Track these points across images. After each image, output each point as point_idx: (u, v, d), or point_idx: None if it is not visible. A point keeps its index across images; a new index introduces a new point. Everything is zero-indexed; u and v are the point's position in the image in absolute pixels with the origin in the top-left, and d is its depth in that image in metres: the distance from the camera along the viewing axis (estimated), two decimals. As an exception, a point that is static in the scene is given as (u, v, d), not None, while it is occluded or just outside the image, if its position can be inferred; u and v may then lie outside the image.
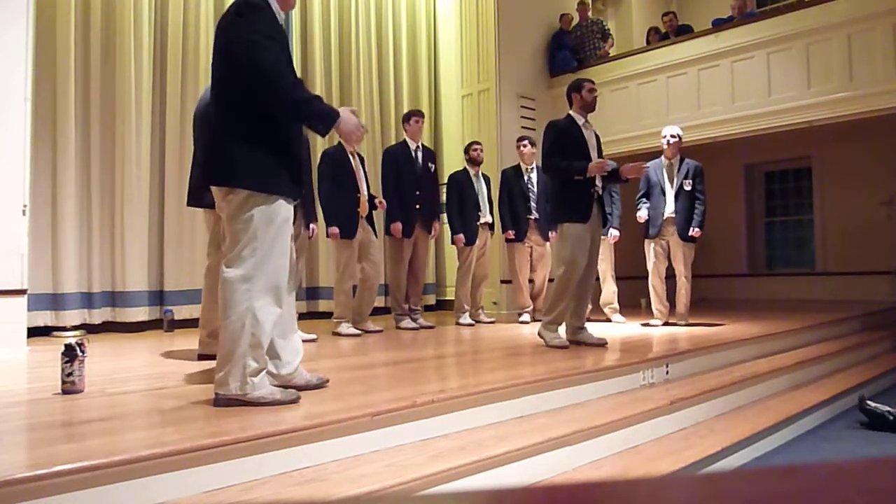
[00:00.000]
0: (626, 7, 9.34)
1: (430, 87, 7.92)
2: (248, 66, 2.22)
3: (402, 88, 7.63)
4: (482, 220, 5.85)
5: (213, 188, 2.37)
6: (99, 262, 5.28)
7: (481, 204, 5.86)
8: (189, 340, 4.25)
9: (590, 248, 4.03)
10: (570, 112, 4.14)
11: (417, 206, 5.30)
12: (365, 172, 5.08)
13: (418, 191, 5.33)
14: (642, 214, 5.32)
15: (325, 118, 2.35)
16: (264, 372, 2.32)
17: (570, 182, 3.99)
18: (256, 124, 2.28)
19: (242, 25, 2.28)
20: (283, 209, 2.32)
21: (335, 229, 4.71)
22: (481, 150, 5.95)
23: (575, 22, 7.85)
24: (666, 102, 7.00)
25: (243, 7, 2.31)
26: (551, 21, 7.79)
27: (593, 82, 4.23)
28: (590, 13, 8.05)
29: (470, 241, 5.77)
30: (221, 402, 2.25)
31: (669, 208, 5.23)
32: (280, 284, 2.30)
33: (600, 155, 4.18)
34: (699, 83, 6.78)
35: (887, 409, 3.67)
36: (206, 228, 3.78)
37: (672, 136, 5.26)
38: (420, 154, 5.43)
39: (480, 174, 5.95)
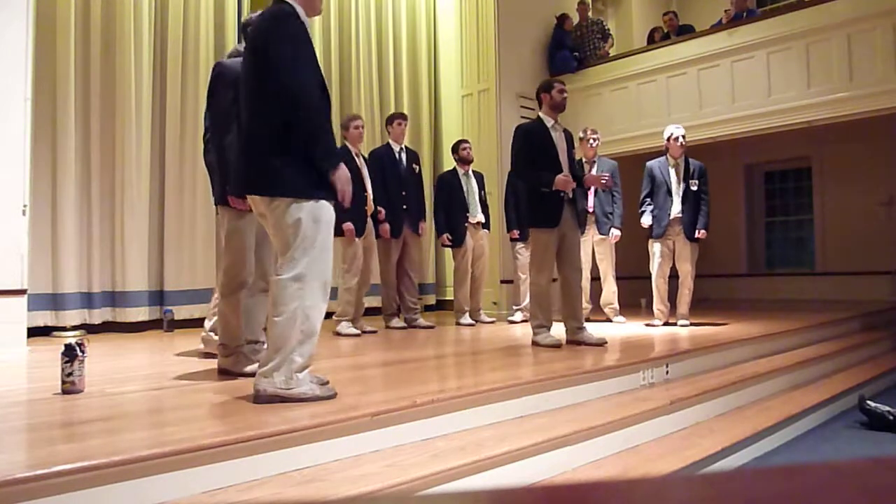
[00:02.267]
0: (626, 7, 9.34)
1: (430, 87, 7.92)
2: (281, 80, 2.29)
3: (402, 88, 7.63)
4: (474, 220, 5.85)
5: (255, 196, 2.39)
6: (99, 262, 5.28)
7: (471, 204, 5.85)
8: (189, 340, 4.25)
9: (565, 250, 4.04)
10: (540, 114, 4.14)
11: (405, 207, 5.35)
12: (368, 171, 5.10)
13: (404, 192, 5.37)
14: (646, 221, 5.29)
15: (331, 157, 2.40)
16: (308, 369, 2.36)
17: (538, 188, 4.02)
18: (297, 132, 2.32)
19: (275, 37, 2.33)
20: (327, 210, 2.37)
21: (349, 225, 4.74)
22: (471, 149, 5.95)
23: (575, 22, 7.85)
24: (666, 102, 7.00)
25: (275, 17, 2.37)
26: (551, 21, 7.79)
27: (563, 83, 4.23)
28: (590, 13, 8.05)
29: (457, 242, 5.76)
30: (262, 398, 2.28)
31: (676, 208, 5.20)
32: (328, 281, 2.37)
33: (569, 154, 4.16)
34: (699, 83, 6.78)
35: (887, 409, 3.67)
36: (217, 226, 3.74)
37: (683, 136, 5.25)
38: (404, 156, 5.48)
39: (471, 172, 5.94)
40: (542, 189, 3.96)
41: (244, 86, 2.47)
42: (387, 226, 5.21)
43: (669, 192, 5.23)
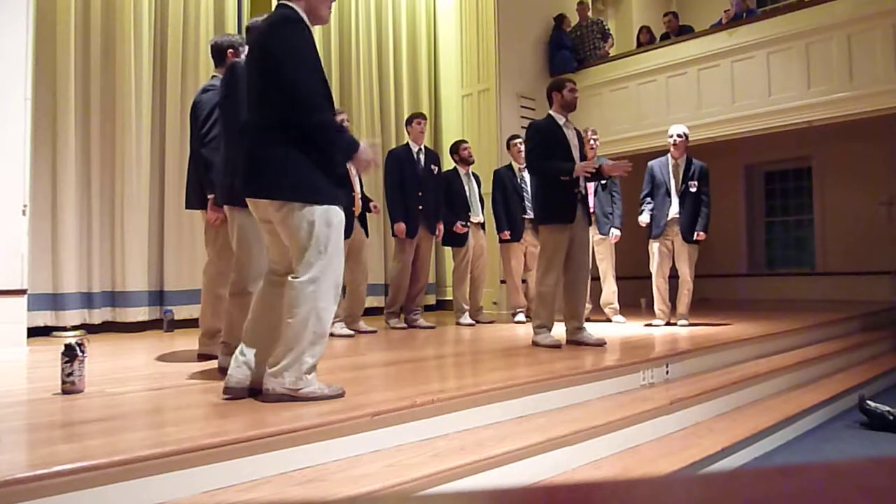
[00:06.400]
0: (626, 7, 9.34)
1: (430, 88, 7.92)
2: (286, 84, 2.32)
3: (402, 88, 7.63)
4: (474, 220, 5.84)
5: (263, 200, 2.38)
6: (99, 262, 5.28)
7: (473, 204, 5.84)
8: (189, 340, 4.25)
9: (575, 249, 4.04)
10: (550, 112, 4.14)
11: (420, 207, 5.33)
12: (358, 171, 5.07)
13: (420, 192, 5.35)
14: (644, 219, 5.27)
15: (346, 148, 2.46)
16: (315, 368, 2.38)
17: (553, 183, 4.00)
18: (303, 136, 2.34)
19: (282, 43, 2.35)
20: (337, 213, 2.40)
21: None
22: (470, 149, 5.95)
23: (575, 22, 7.85)
24: (666, 102, 7.00)
25: (282, 23, 2.38)
26: (551, 21, 7.79)
27: (574, 82, 4.23)
28: (590, 13, 8.05)
29: (459, 242, 5.75)
30: (271, 397, 2.29)
31: (674, 209, 5.19)
32: (339, 282, 2.42)
33: (581, 152, 4.18)
34: (699, 83, 6.78)
35: (887, 409, 3.67)
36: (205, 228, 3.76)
37: (679, 136, 5.20)
38: (422, 156, 5.46)
39: (471, 173, 5.94)
40: (562, 178, 3.93)
41: (252, 89, 2.46)
42: (402, 225, 5.21)
43: (668, 193, 5.22)
